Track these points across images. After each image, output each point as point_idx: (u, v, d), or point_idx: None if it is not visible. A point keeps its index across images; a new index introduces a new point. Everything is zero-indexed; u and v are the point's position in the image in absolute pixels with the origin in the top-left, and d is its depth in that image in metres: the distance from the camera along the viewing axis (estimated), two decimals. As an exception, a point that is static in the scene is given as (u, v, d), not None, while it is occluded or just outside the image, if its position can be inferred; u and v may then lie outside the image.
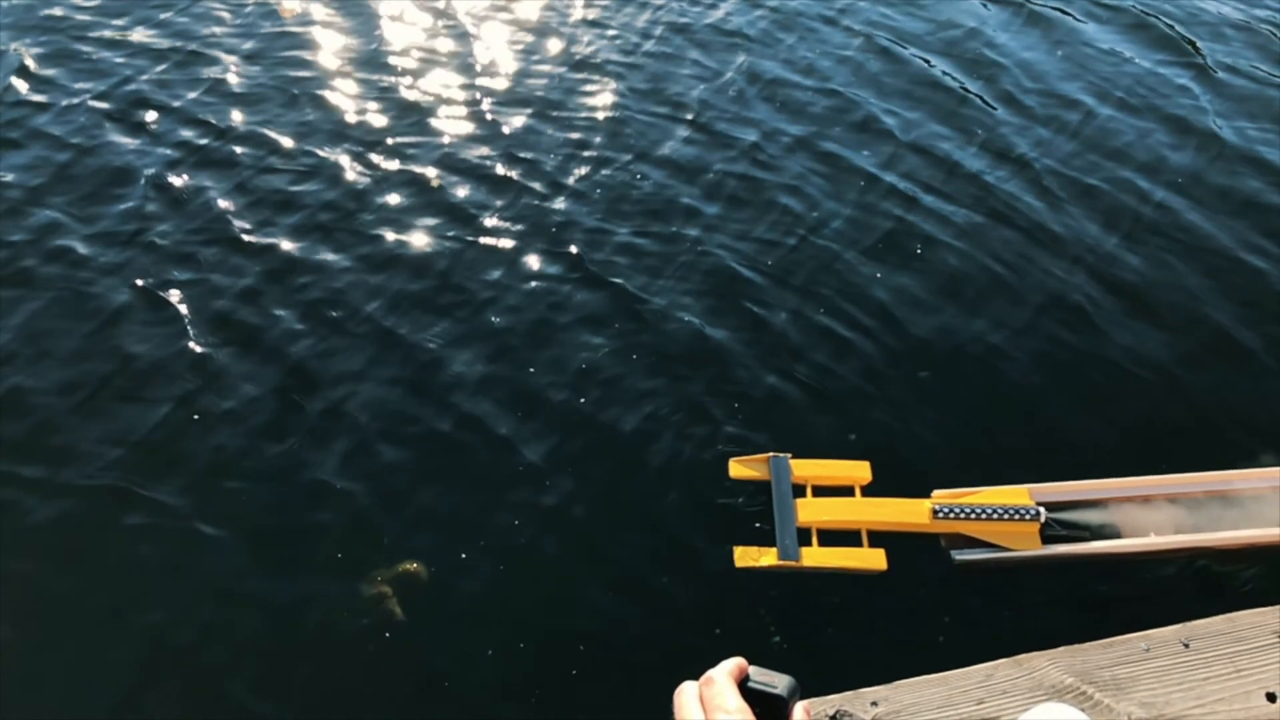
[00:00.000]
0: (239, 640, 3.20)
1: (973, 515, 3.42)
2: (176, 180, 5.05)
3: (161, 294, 4.39)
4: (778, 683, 0.94)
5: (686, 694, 0.94)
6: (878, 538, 3.47)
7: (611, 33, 6.52)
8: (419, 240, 4.77)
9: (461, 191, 5.09)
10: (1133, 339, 4.29)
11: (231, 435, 3.82)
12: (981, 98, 5.95)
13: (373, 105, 5.71)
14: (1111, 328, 4.35)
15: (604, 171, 5.29)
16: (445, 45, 6.32)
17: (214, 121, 5.49)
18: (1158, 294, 4.53)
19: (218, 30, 6.28)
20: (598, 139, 5.53)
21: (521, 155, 5.36)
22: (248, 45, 6.17)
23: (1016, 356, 4.22)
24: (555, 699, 3.06)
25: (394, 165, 5.24)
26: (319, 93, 5.78)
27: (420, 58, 6.18)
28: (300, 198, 4.98)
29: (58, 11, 6.31)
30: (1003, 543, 3.41)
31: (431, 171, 5.22)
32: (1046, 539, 3.44)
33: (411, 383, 4.05)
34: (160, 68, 5.92)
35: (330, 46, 6.24)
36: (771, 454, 3.67)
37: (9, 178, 5.00)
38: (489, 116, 5.66)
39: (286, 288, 4.47)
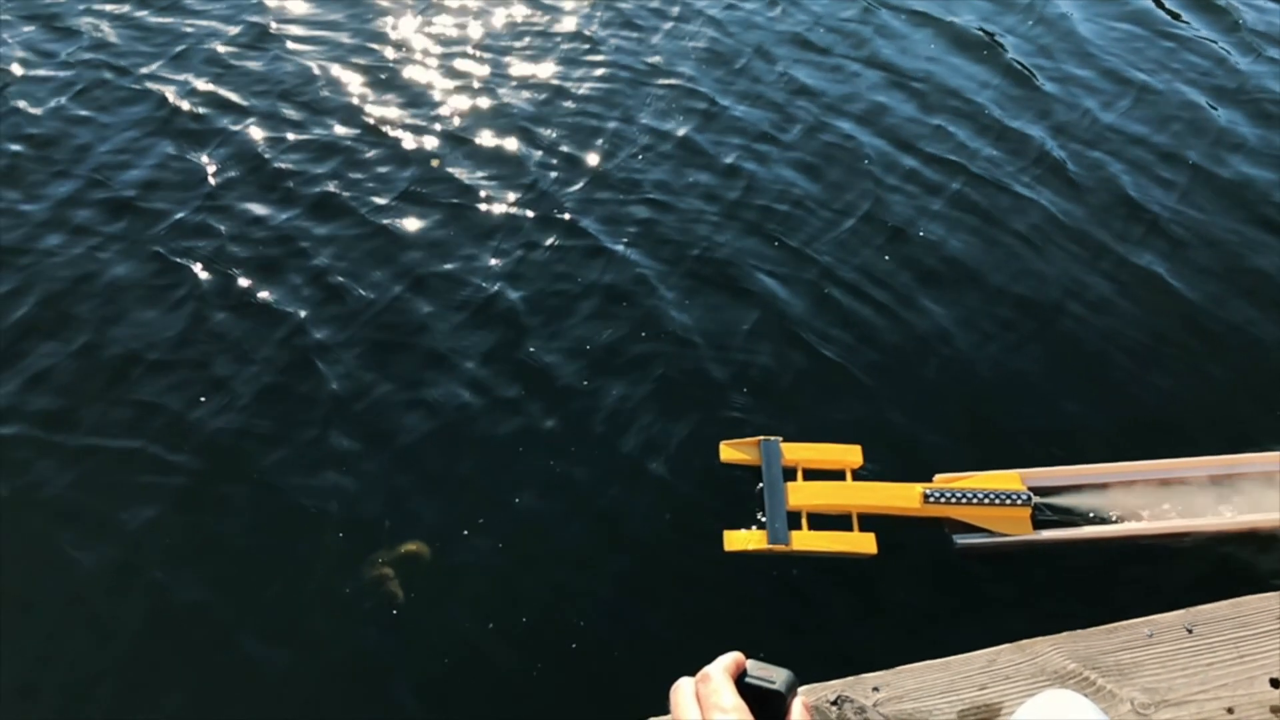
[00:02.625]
0: (240, 608, 3.24)
1: (963, 500, 3.41)
2: (189, 156, 5.05)
3: (173, 266, 4.42)
4: (776, 677, 0.92)
5: (683, 691, 0.92)
6: (869, 522, 3.46)
7: (625, 5, 6.52)
8: (428, 216, 4.77)
9: (471, 168, 5.08)
10: (1145, 324, 4.27)
11: (239, 405, 3.84)
12: (1007, 75, 5.94)
13: (382, 83, 5.68)
14: (1126, 312, 4.34)
15: (614, 147, 5.27)
16: (453, 24, 6.28)
17: (222, 96, 5.47)
18: (1179, 282, 4.50)
19: (220, 6, 6.24)
20: (608, 116, 5.51)
21: (530, 132, 5.34)
22: (250, 23, 6.13)
23: (1023, 340, 4.20)
24: (552, 681, 3.06)
25: (402, 142, 5.23)
26: (328, 70, 5.76)
27: (427, 35, 6.14)
28: (310, 173, 4.98)
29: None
30: (993, 528, 3.39)
31: (439, 148, 5.21)
32: (1039, 524, 3.42)
33: (417, 359, 4.05)
34: (163, 42, 5.90)
35: (337, 24, 6.20)
36: (762, 437, 3.66)
37: (16, 148, 5.00)
38: (498, 93, 5.64)
39: (296, 261, 4.47)
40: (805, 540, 3.37)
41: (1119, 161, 5.22)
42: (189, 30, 6.03)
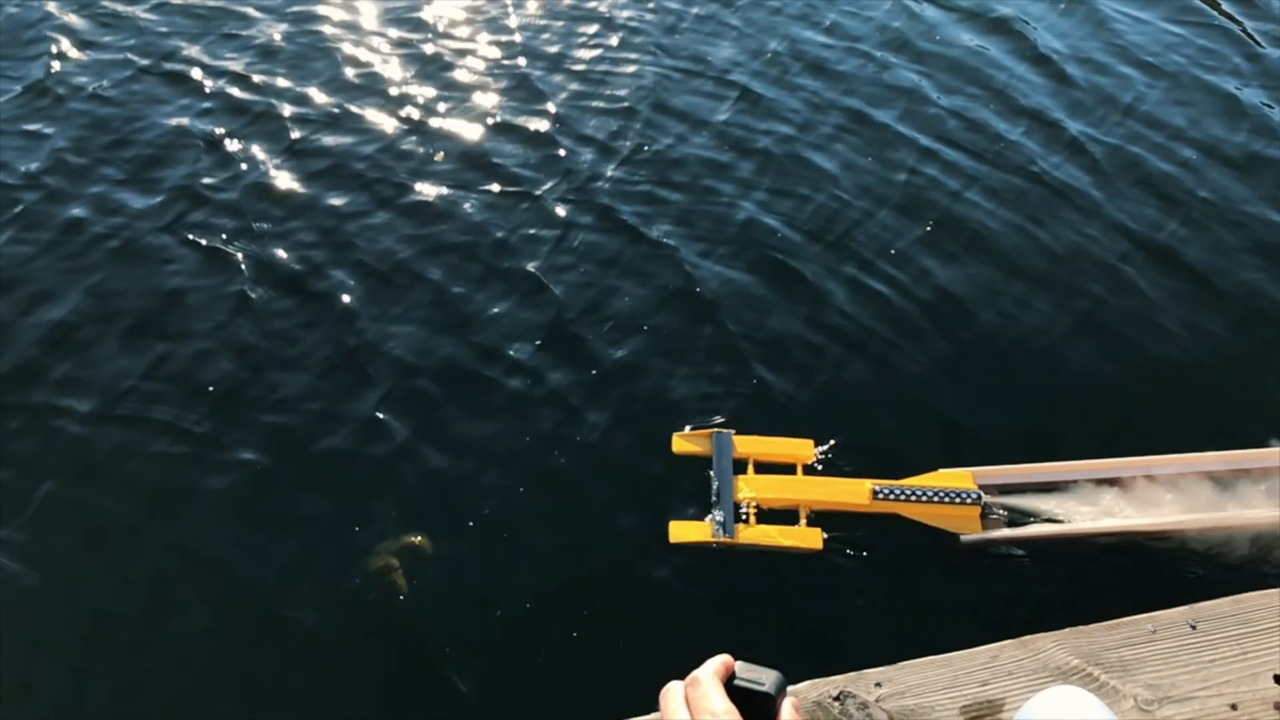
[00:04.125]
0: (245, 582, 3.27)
1: (912, 497, 3.42)
2: (225, 139, 5.08)
3: (210, 246, 4.46)
4: (765, 679, 0.92)
5: (672, 695, 0.92)
6: (821, 518, 3.46)
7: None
8: (461, 198, 4.81)
9: (501, 150, 5.12)
10: (1161, 316, 4.27)
11: (267, 378, 3.89)
12: (1023, 64, 5.94)
13: (418, 70, 5.71)
14: (1152, 301, 4.33)
15: (641, 131, 5.30)
16: (488, 11, 6.31)
17: (259, 83, 5.49)
18: (1204, 268, 4.50)
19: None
20: (635, 101, 5.53)
21: (561, 117, 5.37)
22: (289, 8, 6.15)
23: (1037, 332, 4.20)
24: (550, 673, 3.06)
25: (437, 126, 5.27)
26: (360, 56, 5.78)
27: (463, 23, 6.16)
28: (345, 156, 5.01)
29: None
30: (942, 525, 3.40)
31: (473, 131, 5.25)
32: (989, 523, 3.43)
33: (441, 348, 4.07)
34: (197, 29, 5.92)
35: (371, 11, 6.21)
36: (715, 429, 3.67)
37: (50, 131, 5.02)
38: (532, 81, 5.66)
39: (328, 240, 4.52)
40: (752, 534, 3.38)
41: (1151, 151, 5.21)
42: (237, 15, 6.04)
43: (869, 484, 3.46)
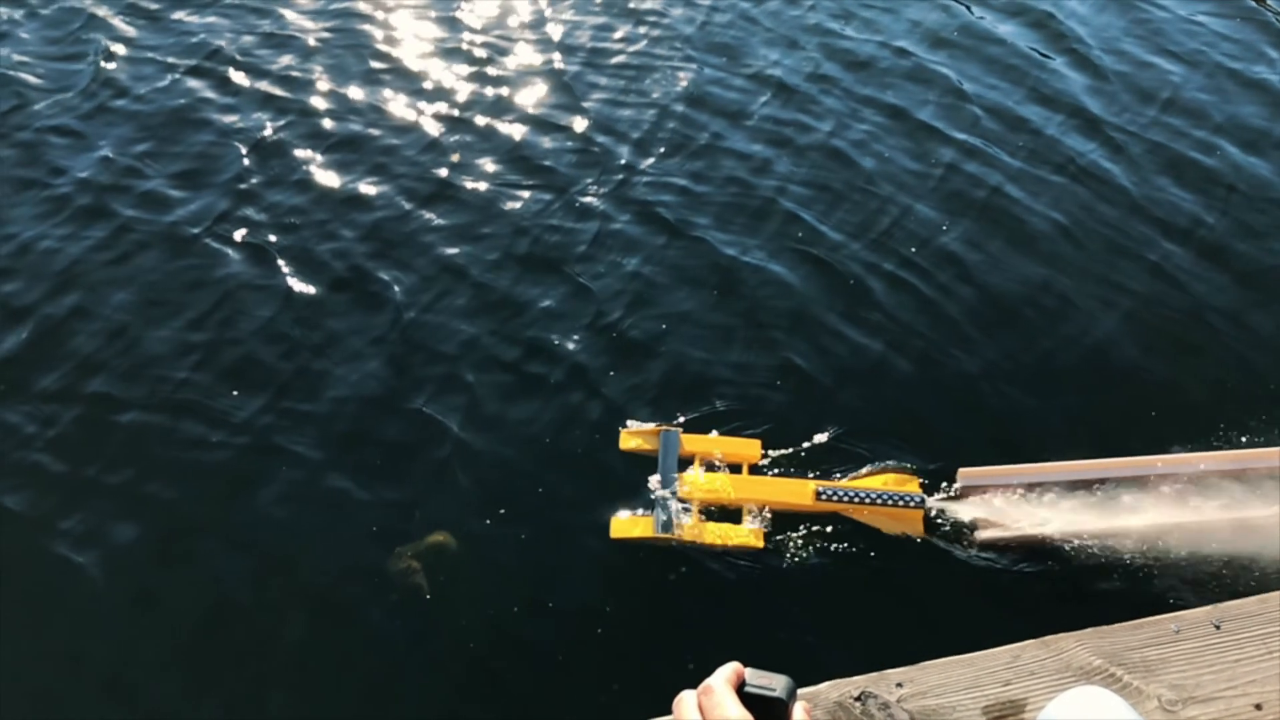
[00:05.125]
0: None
1: (855, 499, 3.44)
2: (269, 138, 5.23)
3: (257, 243, 4.59)
4: (776, 684, 0.93)
5: (686, 704, 0.93)
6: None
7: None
8: (499, 194, 4.93)
9: (538, 146, 5.26)
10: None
11: (314, 372, 4.04)
12: (1052, 55, 5.95)
13: (455, 68, 5.84)
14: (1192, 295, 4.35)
15: (676, 127, 5.43)
16: (524, 9, 6.39)
17: (301, 82, 5.63)
18: (1246, 258, 4.53)
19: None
20: (671, 97, 5.64)
21: (597, 113, 5.50)
22: (333, 10, 6.26)
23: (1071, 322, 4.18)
24: (574, 670, 3.08)
25: (474, 123, 5.40)
26: (399, 56, 5.91)
27: (497, 21, 6.29)
28: (386, 154, 5.14)
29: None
30: (884, 528, 3.43)
31: (510, 128, 5.38)
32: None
33: (484, 341, 4.21)
34: (239, 29, 6.04)
35: (407, 13, 6.32)
36: (663, 426, 3.69)
37: (98, 131, 5.13)
38: (567, 78, 5.77)
39: (370, 236, 4.65)
40: (693, 531, 3.39)
41: (1191, 146, 5.17)
42: (276, 15, 6.15)
43: (813, 485, 3.51)
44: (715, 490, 3.55)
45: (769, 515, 3.49)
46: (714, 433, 3.70)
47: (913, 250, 4.56)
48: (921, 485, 3.56)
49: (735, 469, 3.66)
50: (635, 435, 3.73)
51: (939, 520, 3.48)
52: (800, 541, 3.40)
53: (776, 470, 3.63)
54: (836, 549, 3.37)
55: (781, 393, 3.96)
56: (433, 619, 3.25)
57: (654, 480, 3.56)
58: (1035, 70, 5.77)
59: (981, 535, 3.37)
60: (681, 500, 3.50)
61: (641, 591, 3.34)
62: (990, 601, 3.23)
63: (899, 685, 1.59)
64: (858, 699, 1.56)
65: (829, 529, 3.43)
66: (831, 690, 1.57)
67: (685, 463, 3.66)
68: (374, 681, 3.13)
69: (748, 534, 3.42)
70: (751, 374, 4.04)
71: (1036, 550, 3.32)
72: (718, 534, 3.42)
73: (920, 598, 3.26)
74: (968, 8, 6.32)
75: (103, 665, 3.13)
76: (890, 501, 3.46)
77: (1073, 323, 4.22)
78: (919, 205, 4.82)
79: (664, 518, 3.41)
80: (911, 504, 3.46)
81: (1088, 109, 5.46)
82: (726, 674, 0.94)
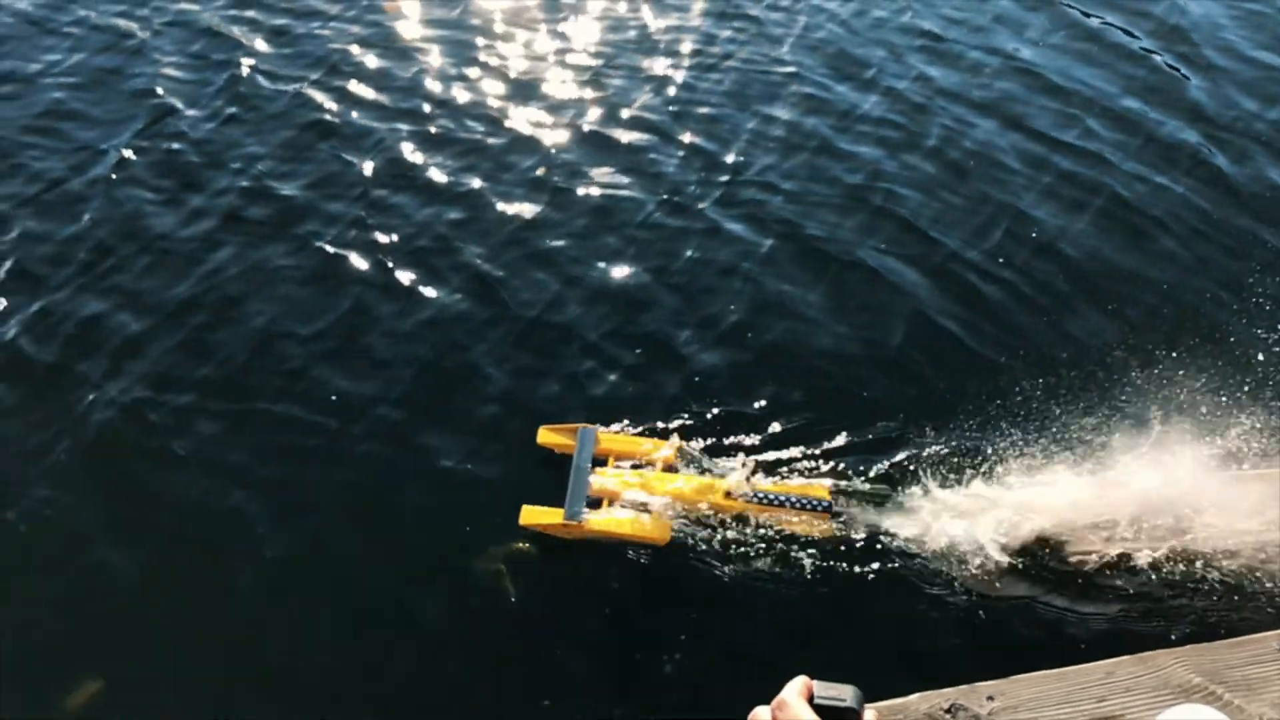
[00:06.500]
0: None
1: (764, 500, 3.49)
2: (393, 146, 5.36)
3: (332, 254, 4.68)
4: (845, 694, 0.97)
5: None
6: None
7: (752, 9, 6.60)
8: (567, 208, 4.97)
9: (598, 159, 5.28)
10: None
11: (384, 377, 4.10)
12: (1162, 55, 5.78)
13: (567, 78, 5.94)
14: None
15: (748, 143, 5.38)
16: (628, 20, 6.51)
17: (419, 91, 5.78)
18: None
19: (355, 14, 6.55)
20: (739, 112, 5.63)
21: (662, 129, 5.50)
22: (387, 29, 6.42)
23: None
24: (658, 678, 3.12)
25: (537, 138, 5.45)
26: (467, 75, 6.00)
27: (557, 39, 6.36)
28: (454, 171, 5.22)
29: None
30: (792, 529, 3.47)
31: (621, 135, 5.45)
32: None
33: (547, 348, 4.22)
34: (359, 42, 6.25)
35: (470, 29, 6.44)
36: (582, 424, 3.75)
37: (224, 133, 5.29)
38: (629, 93, 5.80)
39: (440, 247, 4.72)
40: (600, 523, 3.46)
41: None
42: (327, 36, 6.32)
43: (724, 485, 3.55)
44: (629, 486, 3.61)
45: (680, 510, 3.52)
46: (677, 437, 3.73)
47: (996, 264, 4.48)
48: (831, 492, 3.56)
49: (694, 470, 3.69)
50: (553, 431, 3.80)
51: (846, 523, 3.50)
52: (878, 555, 3.37)
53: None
54: (915, 564, 3.33)
55: (849, 401, 3.95)
56: (527, 612, 3.33)
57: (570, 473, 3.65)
58: (1147, 70, 5.62)
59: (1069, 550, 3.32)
60: (594, 495, 3.60)
61: (719, 608, 3.36)
62: (1083, 616, 3.14)
63: (990, 699, 1.60)
64: (948, 711, 1.57)
65: (908, 541, 3.40)
66: (921, 702, 1.58)
67: (603, 459, 3.74)
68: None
69: (653, 527, 3.48)
70: (856, 367, 4.05)
71: (1123, 567, 3.24)
72: (622, 526, 3.49)
73: (1011, 610, 3.19)
74: (1072, 7, 6.19)
75: (185, 666, 3.28)
76: (798, 504, 3.52)
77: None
78: (1034, 208, 4.74)
79: (573, 509, 3.50)
80: (819, 508, 3.51)
81: (1201, 108, 5.29)
82: (797, 687, 0.97)
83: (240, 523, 3.55)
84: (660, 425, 3.87)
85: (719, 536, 3.48)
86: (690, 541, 3.45)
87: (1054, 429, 3.68)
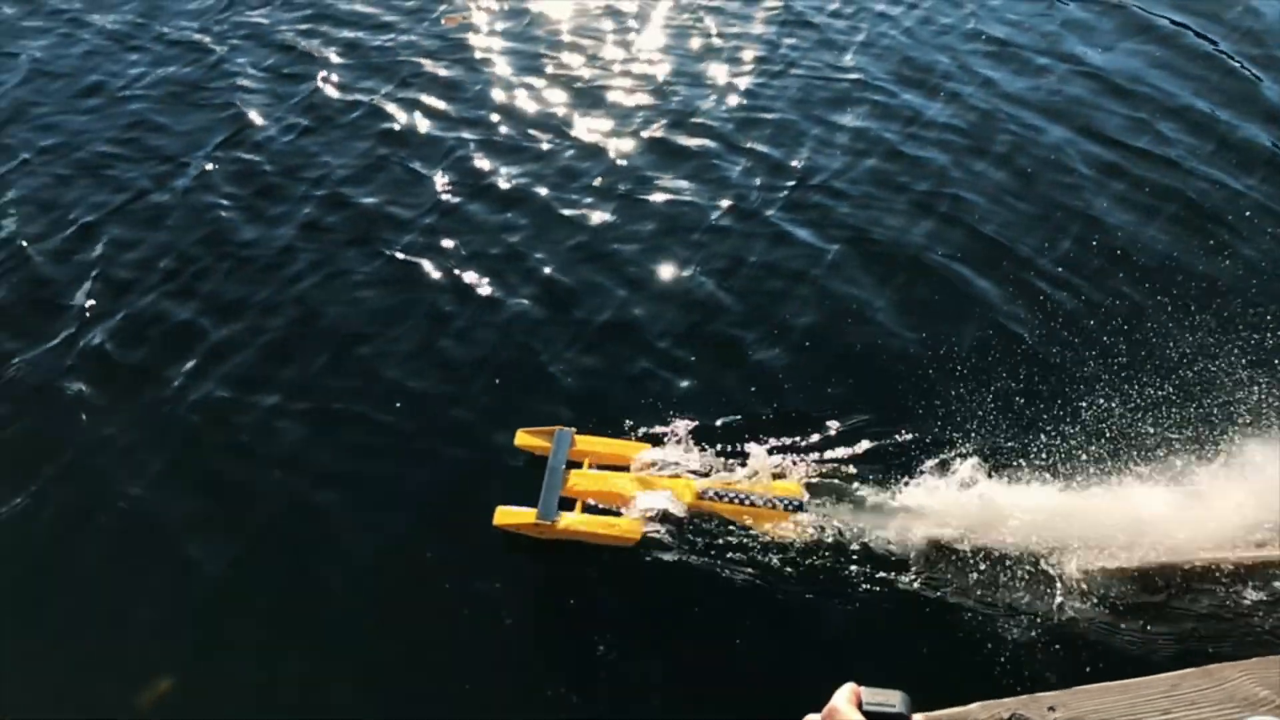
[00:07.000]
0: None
1: (734, 500, 3.52)
2: (406, 165, 5.47)
3: (402, 260, 4.81)
4: (893, 700, 0.99)
5: None
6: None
7: (813, 18, 6.63)
8: (631, 213, 5.05)
9: (662, 166, 5.36)
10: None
11: (453, 379, 4.19)
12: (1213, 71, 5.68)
13: (636, 86, 6.04)
14: None
15: (812, 150, 5.41)
16: (693, 28, 6.60)
17: (437, 112, 5.87)
18: None
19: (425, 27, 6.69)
20: (802, 120, 5.66)
21: (727, 137, 5.55)
22: (453, 41, 6.55)
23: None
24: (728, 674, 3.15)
25: (600, 146, 5.54)
26: (581, 75, 6.16)
27: (621, 47, 6.45)
28: (522, 179, 5.32)
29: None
30: (763, 529, 3.48)
31: (670, 135, 5.54)
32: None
33: (615, 350, 4.30)
34: (430, 53, 6.42)
35: (533, 39, 6.56)
36: (559, 426, 3.78)
37: (256, 160, 5.47)
38: (693, 100, 5.86)
39: (506, 254, 4.83)
40: (573, 522, 3.51)
41: None
42: (397, 49, 6.47)
43: (695, 485, 3.59)
44: (601, 486, 3.66)
45: (654, 511, 3.54)
46: (668, 441, 3.79)
47: (1055, 283, 4.43)
48: (804, 487, 3.57)
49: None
50: (531, 434, 3.85)
51: (822, 523, 3.49)
52: (946, 565, 3.36)
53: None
54: (978, 574, 3.31)
55: (901, 405, 3.95)
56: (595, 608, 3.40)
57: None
58: (1220, 73, 5.51)
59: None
60: (568, 496, 3.64)
61: (780, 612, 3.37)
62: (1146, 628, 3.09)
63: (1051, 709, 1.60)
64: (1009, 720, 1.58)
65: (978, 552, 3.38)
66: (981, 712, 1.59)
67: (578, 462, 3.78)
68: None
69: (625, 526, 3.52)
70: (869, 383, 4.04)
71: (1188, 578, 3.19)
72: (594, 526, 3.53)
73: (1073, 621, 3.15)
74: (1143, 10, 6.10)
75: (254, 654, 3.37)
76: (768, 504, 3.53)
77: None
78: (1105, 215, 4.69)
79: (545, 509, 3.54)
80: (789, 507, 3.51)
81: (1277, 111, 5.17)
82: (846, 695, 1.00)
83: (324, 521, 3.66)
84: (721, 422, 3.90)
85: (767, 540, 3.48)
86: (717, 542, 3.48)
87: (1138, 441, 3.62)
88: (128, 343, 4.34)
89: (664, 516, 3.53)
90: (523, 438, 3.83)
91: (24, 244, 4.86)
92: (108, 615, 3.39)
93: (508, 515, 3.54)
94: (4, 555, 3.57)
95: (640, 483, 3.66)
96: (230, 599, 3.43)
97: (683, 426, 3.88)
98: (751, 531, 3.49)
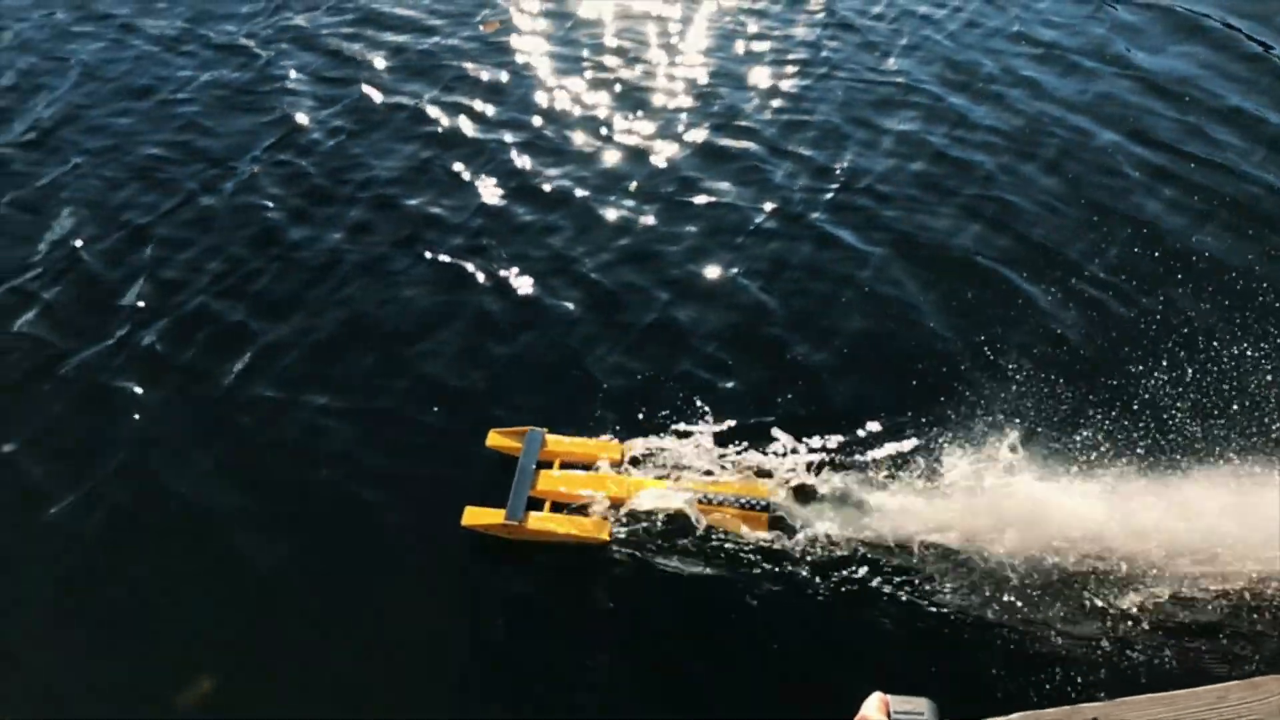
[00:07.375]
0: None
1: (705, 500, 3.55)
2: (450, 168, 5.52)
3: (445, 263, 4.86)
4: (920, 707, 1.00)
5: None
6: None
7: (856, 21, 6.63)
8: (700, 198, 5.14)
9: (704, 168, 5.37)
10: None
11: (494, 379, 4.25)
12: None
13: (621, 99, 6.03)
14: None
15: (857, 154, 5.41)
16: (736, 31, 6.61)
17: (481, 115, 5.92)
18: None
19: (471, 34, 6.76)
20: (846, 123, 5.66)
21: (770, 140, 5.56)
22: (494, 44, 6.61)
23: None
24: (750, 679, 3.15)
25: (649, 153, 5.55)
26: (626, 79, 6.19)
27: (664, 51, 6.47)
28: (565, 183, 5.35)
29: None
30: (730, 528, 3.50)
31: (714, 138, 5.57)
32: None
33: (653, 350, 4.33)
34: (476, 58, 6.49)
35: (630, 38, 6.61)
36: (530, 427, 3.81)
37: (303, 165, 5.54)
38: (736, 104, 5.88)
39: (549, 256, 4.87)
40: (541, 522, 3.54)
41: None
42: (441, 53, 6.53)
43: (662, 485, 3.63)
44: (570, 486, 3.68)
45: (619, 511, 3.58)
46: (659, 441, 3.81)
47: (1104, 289, 4.39)
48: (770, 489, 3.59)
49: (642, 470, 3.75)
50: (502, 434, 3.88)
51: (785, 522, 3.50)
52: (980, 574, 3.34)
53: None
54: (1018, 582, 3.29)
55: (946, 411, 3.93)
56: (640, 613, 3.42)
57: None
58: (1273, 76, 5.42)
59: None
60: (537, 496, 3.66)
61: (800, 618, 3.36)
62: (1191, 640, 3.04)
63: (1094, 720, 1.60)
64: (1051, 731, 1.58)
65: (1019, 559, 3.35)
66: (1023, 721, 1.59)
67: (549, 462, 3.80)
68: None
69: (593, 526, 3.54)
70: (917, 387, 4.01)
71: (1234, 591, 3.14)
72: (563, 524, 3.55)
73: (1116, 632, 3.11)
74: (1192, 11, 6.01)
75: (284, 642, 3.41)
76: (737, 504, 3.55)
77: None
78: (1156, 219, 4.64)
79: (514, 508, 3.56)
80: (758, 507, 3.53)
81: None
82: (875, 703, 1.01)
83: (372, 521, 3.71)
84: (759, 421, 3.91)
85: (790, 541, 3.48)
86: (732, 547, 3.50)
87: (1192, 448, 3.58)
88: (178, 343, 4.42)
89: (645, 516, 3.58)
90: (494, 439, 3.87)
91: (76, 245, 4.95)
92: (155, 613, 3.45)
93: (476, 516, 3.58)
94: (55, 553, 3.64)
95: (608, 482, 3.68)
96: (277, 598, 3.47)
97: (719, 428, 3.86)
98: (780, 539, 3.49)
